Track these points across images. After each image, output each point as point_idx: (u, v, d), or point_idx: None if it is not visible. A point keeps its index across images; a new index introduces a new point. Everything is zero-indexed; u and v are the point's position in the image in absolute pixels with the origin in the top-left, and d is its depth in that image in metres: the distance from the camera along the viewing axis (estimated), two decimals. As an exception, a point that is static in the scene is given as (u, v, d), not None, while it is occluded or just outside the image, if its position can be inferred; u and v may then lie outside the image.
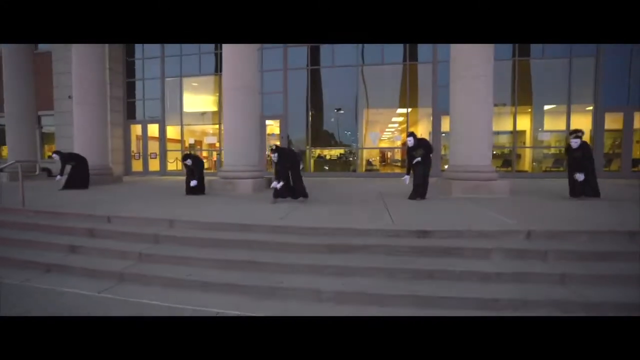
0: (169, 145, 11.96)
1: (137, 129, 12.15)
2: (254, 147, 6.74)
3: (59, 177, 7.20)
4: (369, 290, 2.69)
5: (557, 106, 9.87)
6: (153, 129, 11.99)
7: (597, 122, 9.35)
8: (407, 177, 5.51)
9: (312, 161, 11.40)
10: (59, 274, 3.46)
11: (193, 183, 6.04)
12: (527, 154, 10.36)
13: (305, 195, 5.33)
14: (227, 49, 6.41)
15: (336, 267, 3.04)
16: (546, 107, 10.04)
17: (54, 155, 7.23)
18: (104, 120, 8.32)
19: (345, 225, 3.57)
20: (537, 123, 10.12)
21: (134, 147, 12.12)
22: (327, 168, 11.38)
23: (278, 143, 11.53)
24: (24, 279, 3.32)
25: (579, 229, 3.36)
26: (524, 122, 10.30)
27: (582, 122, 9.66)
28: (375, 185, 7.84)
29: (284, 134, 11.18)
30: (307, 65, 10.95)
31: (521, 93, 9.94)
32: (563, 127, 9.63)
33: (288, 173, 5.23)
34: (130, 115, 12.09)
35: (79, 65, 7.75)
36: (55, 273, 3.48)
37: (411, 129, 14.74)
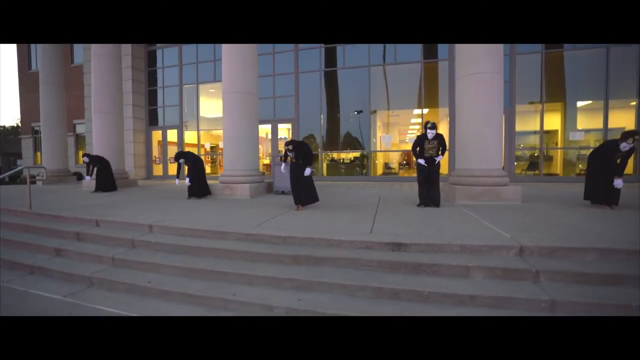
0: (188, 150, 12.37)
1: (158, 135, 12.71)
2: (253, 152, 6.69)
3: (87, 177, 7.68)
4: (320, 309, 2.44)
5: (593, 102, 8.84)
6: (173, 135, 12.47)
7: (642, 118, 8.24)
8: (422, 160, 4.83)
9: (324, 165, 11.20)
10: (40, 276, 3.58)
11: (179, 181, 5.98)
12: (559, 156, 9.38)
13: (314, 200, 4.91)
14: (226, 54, 6.44)
15: (297, 280, 2.83)
16: (580, 104, 9.03)
17: (84, 157, 7.70)
18: (120, 127, 8.75)
19: (317, 235, 3.34)
20: (570, 121, 9.13)
21: (155, 152, 12.69)
22: (340, 172, 11.12)
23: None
24: (7, 280, 3.47)
25: (587, 246, 2.85)
26: (554, 121, 9.36)
27: (624, 119, 8.59)
28: (384, 190, 7.47)
29: (295, 137, 11.09)
30: (320, 68, 10.80)
31: (551, 89, 9.04)
32: (600, 125, 8.60)
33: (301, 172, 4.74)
34: (152, 121, 12.68)
35: (97, 77, 8.22)
36: (37, 275, 3.60)
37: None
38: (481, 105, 5.19)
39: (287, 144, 4.76)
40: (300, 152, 4.72)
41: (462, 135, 5.48)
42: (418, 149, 4.86)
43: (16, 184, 11.29)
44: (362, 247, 3.12)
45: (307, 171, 4.71)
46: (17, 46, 15.25)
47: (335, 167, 11.29)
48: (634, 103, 8.47)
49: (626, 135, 4.27)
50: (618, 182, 4.26)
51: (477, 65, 5.21)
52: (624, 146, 4.26)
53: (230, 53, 6.33)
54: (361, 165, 10.95)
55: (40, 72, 10.57)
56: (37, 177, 10.70)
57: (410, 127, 13.50)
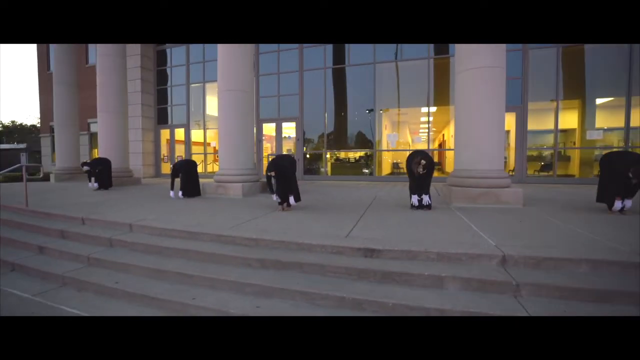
0: (194, 149, 12.51)
1: (166, 133, 12.92)
2: (246, 151, 6.60)
3: (96, 184, 7.80)
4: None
5: (614, 99, 8.22)
6: (180, 133, 12.64)
7: (669, 116, 7.58)
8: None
9: (329, 164, 11.03)
10: (19, 273, 3.61)
11: (173, 194, 6.22)
12: (576, 156, 8.80)
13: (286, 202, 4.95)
14: (220, 52, 6.38)
15: (260, 285, 2.70)
16: (599, 101, 8.42)
17: (84, 167, 7.87)
18: (124, 126, 8.91)
19: (289, 239, 3.19)
20: (589, 120, 8.53)
21: (163, 151, 12.90)
22: (344, 171, 10.91)
23: (292, 147, 11.40)
24: (-13, 277, 3.52)
25: (579, 256, 2.56)
26: (571, 119, 8.78)
27: (648, 117, 7.93)
28: (384, 191, 7.22)
29: (299, 136, 10.98)
30: (324, 66, 10.63)
31: (567, 85, 8.48)
32: (621, 123, 7.99)
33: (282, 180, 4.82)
34: (162, 120, 12.90)
35: (102, 77, 8.41)
36: (17, 272, 3.64)
37: (444, 130, 13.62)
38: (481, 102, 4.88)
39: (267, 172, 4.76)
40: (281, 171, 4.70)
41: (460, 134, 5.17)
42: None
43: (33, 181, 11.72)
44: (333, 252, 2.95)
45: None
46: (37, 48, 15.90)
47: (339, 166, 11.09)
48: (661, 99, 7.81)
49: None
50: (618, 204, 3.94)
51: (477, 59, 4.90)
52: (631, 177, 3.89)
53: (224, 51, 6.27)
54: (366, 165, 10.70)
55: (54, 72, 10.92)
56: (52, 173, 11.07)
57: (421, 125, 13.10)
